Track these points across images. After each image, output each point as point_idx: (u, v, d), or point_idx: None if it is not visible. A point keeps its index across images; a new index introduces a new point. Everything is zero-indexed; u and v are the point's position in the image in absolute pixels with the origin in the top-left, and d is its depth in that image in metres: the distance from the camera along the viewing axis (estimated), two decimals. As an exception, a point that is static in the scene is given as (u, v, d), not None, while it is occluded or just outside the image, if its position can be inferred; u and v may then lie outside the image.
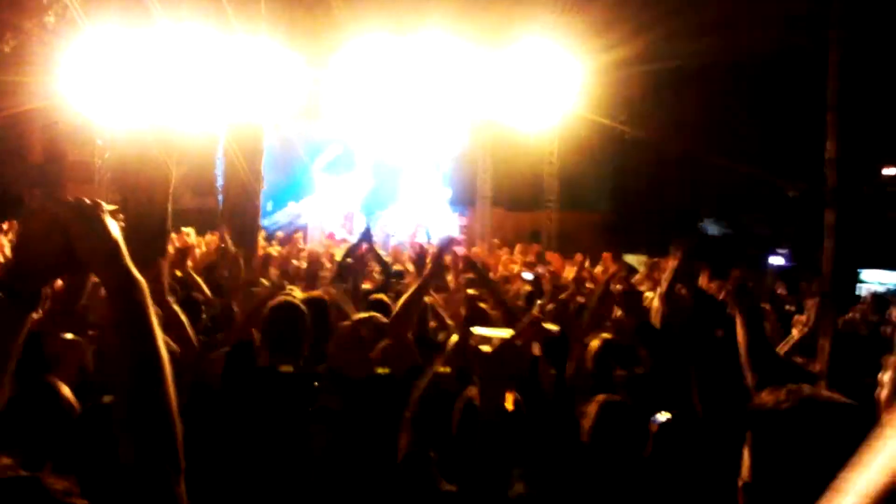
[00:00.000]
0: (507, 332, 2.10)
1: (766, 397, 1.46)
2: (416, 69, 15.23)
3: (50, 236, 1.26)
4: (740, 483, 1.42)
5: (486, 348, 2.00)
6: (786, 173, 16.73)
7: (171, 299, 3.16)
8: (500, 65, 15.00)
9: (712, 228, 21.52)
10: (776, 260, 17.87)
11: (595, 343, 3.59)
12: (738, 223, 20.18)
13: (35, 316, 1.35)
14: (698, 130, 17.06)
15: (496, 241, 15.03)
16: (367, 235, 5.22)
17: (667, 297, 3.76)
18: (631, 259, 15.27)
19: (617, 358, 3.59)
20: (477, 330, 2.24)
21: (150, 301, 1.30)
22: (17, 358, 1.28)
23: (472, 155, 19.72)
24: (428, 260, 4.06)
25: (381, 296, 4.51)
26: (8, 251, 6.53)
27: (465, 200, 20.91)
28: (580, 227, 19.73)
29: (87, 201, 1.32)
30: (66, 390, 2.31)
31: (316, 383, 2.25)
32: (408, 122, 17.09)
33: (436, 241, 16.36)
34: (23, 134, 16.62)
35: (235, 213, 10.97)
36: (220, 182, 18.10)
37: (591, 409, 2.74)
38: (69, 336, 2.87)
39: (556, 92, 14.79)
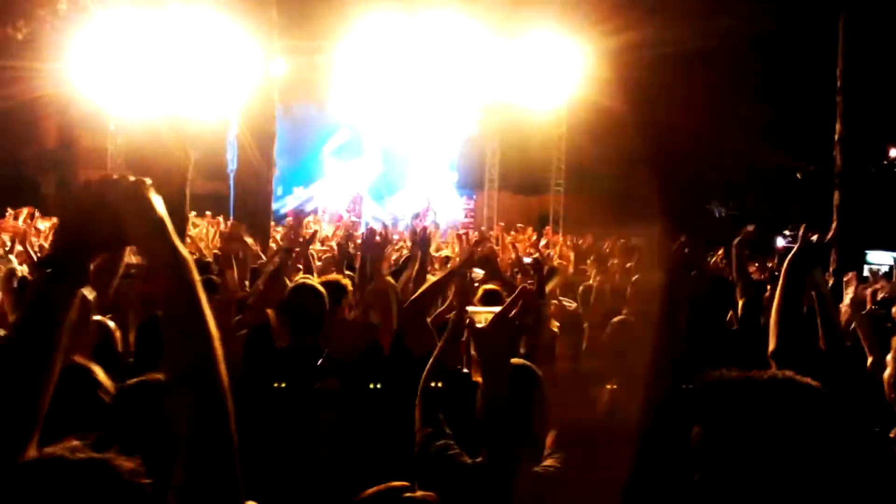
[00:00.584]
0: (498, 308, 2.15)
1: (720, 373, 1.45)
2: (424, 52, 15.26)
3: (95, 214, 1.28)
4: None
5: (479, 322, 2.03)
6: (794, 155, 16.74)
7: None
8: (510, 47, 15.02)
9: (719, 210, 21.55)
10: (782, 241, 17.88)
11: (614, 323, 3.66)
12: (744, 205, 20.19)
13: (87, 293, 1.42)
14: (706, 112, 17.04)
15: (501, 224, 15.11)
16: (424, 245, 4.77)
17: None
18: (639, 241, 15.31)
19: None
20: (471, 308, 2.32)
21: (197, 277, 1.29)
22: (69, 335, 1.29)
23: (480, 139, 19.74)
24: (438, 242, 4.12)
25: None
26: (40, 237, 6.64)
27: (472, 184, 20.96)
28: (588, 209, 19.77)
29: (133, 179, 1.32)
30: (97, 369, 2.36)
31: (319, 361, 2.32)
32: (416, 105, 17.15)
33: (442, 224, 16.46)
34: (37, 120, 16.75)
35: (248, 197, 11.10)
36: (230, 167, 18.25)
37: (604, 394, 2.74)
38: (97, 318, 2.98)
39: (564, 74, 14.81)
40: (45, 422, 1.85)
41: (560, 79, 14.87)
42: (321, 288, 3.42)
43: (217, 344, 1.23)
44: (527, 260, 6.63)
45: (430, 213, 18.25)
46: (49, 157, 17.00)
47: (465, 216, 20.40)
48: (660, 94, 16.42)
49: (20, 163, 16.41)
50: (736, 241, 4.65)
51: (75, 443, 1.10)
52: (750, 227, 4.51)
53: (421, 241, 4.70)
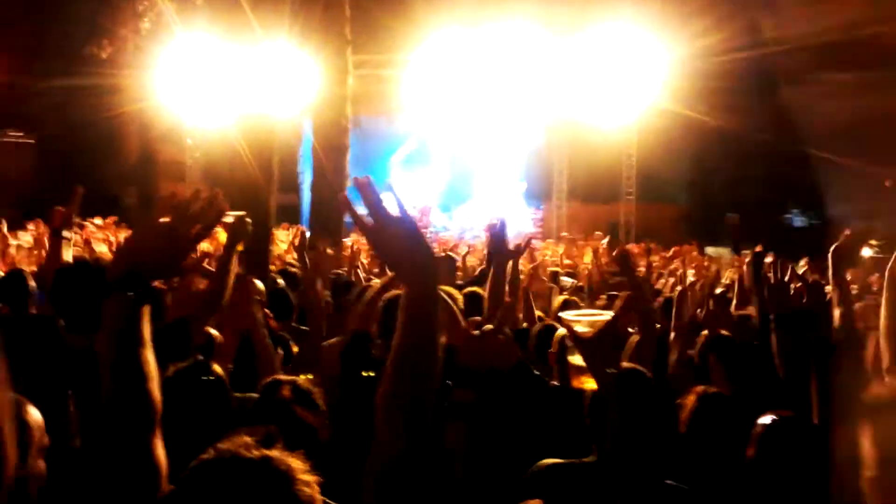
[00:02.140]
0: (604, 314, 2.13)
1: (883, 389, 1.44)
2: (492, 63, 15.26)
3: (161, 244, 1.43)
4: (865, 476, 1.40)
5: (584, 331, 2.02)
6: (882, 161, 15.99)
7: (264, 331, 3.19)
8: (580, 58, 14.86)
9: (798, 220, 20.77)
10: (867, 252, 17.10)
11: (702, 336, 3.56)
12: (826, 215, 19.40)
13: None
14: (786, 119, 16.46)
15: (567, 235, 14.93)
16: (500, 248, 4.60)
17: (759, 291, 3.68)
18: (712, 251, 14.92)
19: (722, 351, 3.53)
20: (566, 316, 2.25)
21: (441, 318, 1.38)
22: (146, 346, 1.38)
23: (549, 148, 19.60)
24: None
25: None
26: (107, 245, 6.86)
27: (540, 194, 20.80)
28: (659, 219, 19.36)
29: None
30: (218, 369, 2.40)
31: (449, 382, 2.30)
32: (484, 116, 17.15)
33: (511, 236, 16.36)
34: (119, 135, 17.46)
35: (321, 208, 11.28)
36: (300, 179, 18.60)
37: (690, 400, 2.72)
38: (212, 331, 3.01)
39: (636, 85, 14.55)
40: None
41: (632, 89, 14.59)
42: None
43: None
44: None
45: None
46: (130, 172, 17.66)
47: (534, 226, 20.25)
48: (735, 101, 15.95)
49: (103, 177, 17.10)
50: (833, 246, 4.39)
51: (246, 439, 1.13)
52: (848, 232, 4.28)
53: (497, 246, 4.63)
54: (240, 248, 2.97)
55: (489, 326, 2.20)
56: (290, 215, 15.85)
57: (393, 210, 1.36)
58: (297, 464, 1.12)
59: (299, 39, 10.95)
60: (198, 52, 11.85)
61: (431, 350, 1.30)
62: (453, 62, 15.39)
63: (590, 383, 2.05)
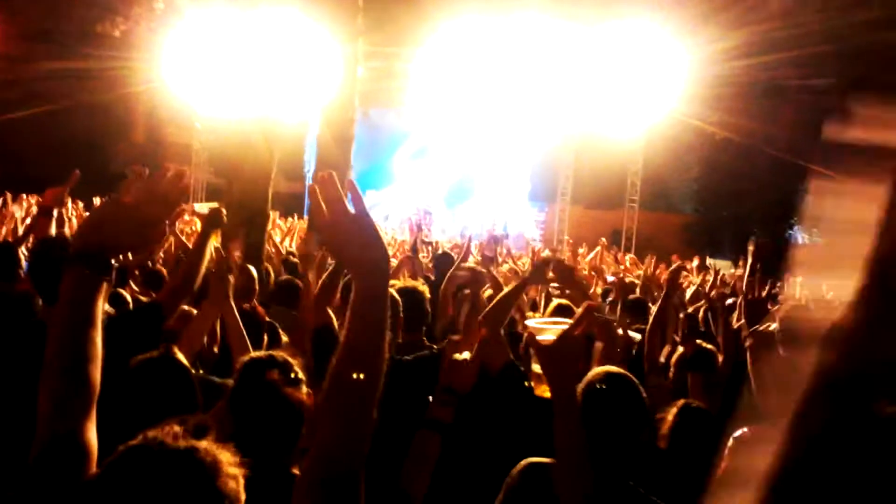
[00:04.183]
0: (563, 323, 2.10)
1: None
2: (504, 60, 15.23)
3: (125, 221, 1.43)
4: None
5: (545, 339, 2.00)
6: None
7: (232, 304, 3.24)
8: (592, 61, 14.83)
9: (802, 236, 20.71)
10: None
11: (680, 349, 3.58)
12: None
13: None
14: (795, 132, 16.42)
15: (569, 239, 14.91)
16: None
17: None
18: (710, 264, 14.90)
19: (700, 364, 3.54)
20: (531, 324, 2.26)
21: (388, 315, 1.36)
22: (95, 325, 1.38)
23: (556, 151, 19.57)
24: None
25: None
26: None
27: (544, 196, 20.79)
28: (662, 228, 19.34)
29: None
30: (183, 359, 2.43)
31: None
32: (493, 115, 17.12)
33: (512, 235, 16.35)
34: (128, 115, 17.51)
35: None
36: (307, 167, 18.64)
37: (670, 413, 2.72)
38: (187, 308, 3.05)
39: (647, 94, 14.51)
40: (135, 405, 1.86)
41: (643, 98, 14.54)
42: (423, 288, 3.58)
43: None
44: (610, 278, 6.49)
45: (498, 225, 18.21)
46: (138, 151, 17.70)
47: (536, 228, 20.25)
48: (745, 112, 15.91)
49: (112, 155, 17.15)
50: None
51: (176, 428, 1.11)
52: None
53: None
54: (215, 238, 3.00)
55: (465, 355, 2.19)
56: (295, 203, 15.91)
57: (351, 207, 1.34)
58: (225, 456, 1.10)
59: (310, 29, 10.96)
60: (209, 37, 11.85)
61: (377, 351, 1.27)
62: (463, 57, 15.37)
63: (547, 391, 2.04)
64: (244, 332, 3.02)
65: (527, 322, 2.33)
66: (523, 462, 2.14)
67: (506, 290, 3.42)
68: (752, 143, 16.27)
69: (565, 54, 14.80)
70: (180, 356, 2.32)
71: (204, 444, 1.10)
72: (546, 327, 2.11)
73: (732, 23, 13.46)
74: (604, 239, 10.76)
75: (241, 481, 1.11)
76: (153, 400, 2.06)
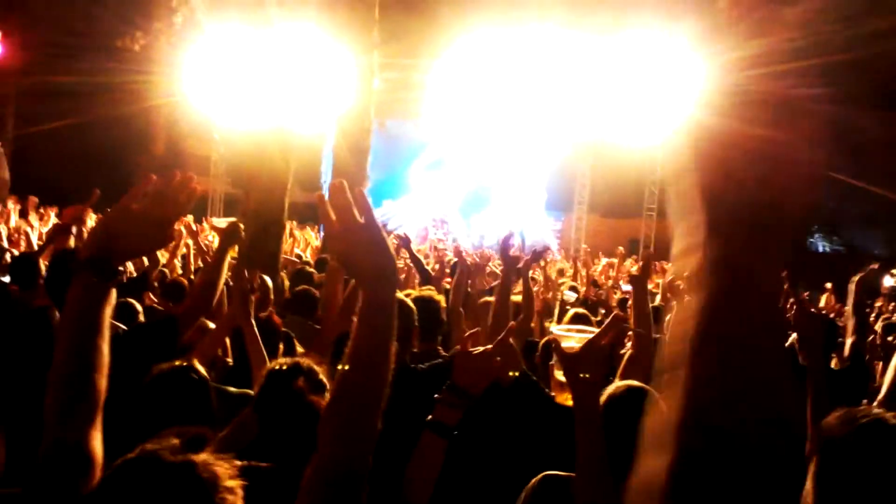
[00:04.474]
0: (587, 331, 2.09)
1: (831, 424, 1.43)
2: (520, 71, 15.24)
3: (132, 228, 1.46)
4: None
5: (571, 347, 1.99)
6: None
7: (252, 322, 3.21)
8: (610, 70, 14.80)
9: (822, 245, 20.50)
10: (889, 282, 16.78)
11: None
12: (851, 241, 19.12)
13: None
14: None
15: (586, 248, 14.85)
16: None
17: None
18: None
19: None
20: (556, 330, 2.25)
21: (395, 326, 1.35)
22: (101, 334, 1.39)
23: (572, 160, 19.53)
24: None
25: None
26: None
27: (561, 205, 20.74)
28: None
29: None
30: (202, 370, 2.45)
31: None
32: (510, 124, 17.14)
33: (528, 244, 16.31)
34: (147, 128, 17.71)
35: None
36: (323, 178, 18.74)
37: None
38: (207, 322, 3.07)
39: (665, 105, 14.43)
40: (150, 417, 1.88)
41: (661, 109, 14.45)
42: (438, 297, 3.61)
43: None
44: (626, 287, 6.45)
45: (514, 235, 18.15)
46: (158, 164, 17.89)
47: (553, 237, 20.19)
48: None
49: (133, 167, 17.34)
50: (857, 277, 4.46)
51: (174, 441, 1.10)
52: (875, 265, 4.29)
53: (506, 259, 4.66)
54: (233, 252, 3.03)
55: (482, 348, 2.14)
56: (311, 213, 15.96)
57: (361, 216, 1.34)
58: (223, 470, 1.08)
59: (326, 42, 11.05)
60: (227, 50, 11.98)
61: (383, 358, 1.27)
62: (479, 68, 15.41)
63: (570, 400, 2.02)
64: (262, 346, 3.05)
65: (551, 328, 2.31)
66: (540, 475, 2.12)
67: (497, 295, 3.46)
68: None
69: (581, 64, 14.78)
70: (199, 367, 2.34)
71: (202, 457, 1.09)
72: (570, 335, 2.10)
73: (749, 32, 13.36)
74: (621, 248, 10.72)
75: (240, 493, 1.09)
76: (171, 410, 2.08)
